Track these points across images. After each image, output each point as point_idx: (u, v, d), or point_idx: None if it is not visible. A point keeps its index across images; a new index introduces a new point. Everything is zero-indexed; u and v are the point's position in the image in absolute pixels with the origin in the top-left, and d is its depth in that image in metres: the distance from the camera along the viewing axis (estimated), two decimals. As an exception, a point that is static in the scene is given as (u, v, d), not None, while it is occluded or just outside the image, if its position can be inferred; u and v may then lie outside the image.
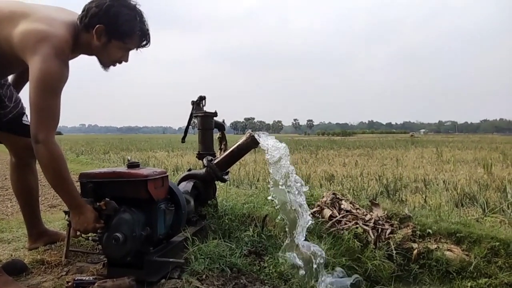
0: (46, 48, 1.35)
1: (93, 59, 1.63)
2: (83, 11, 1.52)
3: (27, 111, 1.74)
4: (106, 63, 1.62)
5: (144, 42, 1.62)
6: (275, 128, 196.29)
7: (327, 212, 2.71)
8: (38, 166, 1.58)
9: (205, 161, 2.13)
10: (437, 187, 4.84)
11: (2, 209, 3.84)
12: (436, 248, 2.44)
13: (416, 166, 7.61)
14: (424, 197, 3.98)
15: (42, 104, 1.36)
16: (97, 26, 1.49)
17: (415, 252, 2.43)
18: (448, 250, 2.43)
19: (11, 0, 1.54)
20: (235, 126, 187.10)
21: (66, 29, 1.46)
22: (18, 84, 1.86)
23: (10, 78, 1.79)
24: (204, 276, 1.55)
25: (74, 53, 1.59)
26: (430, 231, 2.58)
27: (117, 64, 1.65)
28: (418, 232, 2.57)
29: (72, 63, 1.55)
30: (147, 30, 1.60)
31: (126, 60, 1.64)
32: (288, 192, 1.82)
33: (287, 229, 1.87)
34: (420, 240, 2.53)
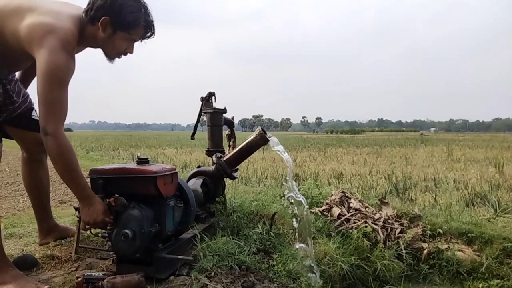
0: (52, 41, 1.37)
1: (102, 56, 1.65)
2: (88, 4, 1.54)
3: (36, 106, 1.75)
4: (111, 55, 1.64)
5: (149, 33, 1.64)
6: (284, 126, 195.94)
7: (336, 211, 2.69)
8: (49, 162, 1.59)
9: (214, 158, 2.12)
10: (447, 186, 4.79)
11: (14, 204, 3.89)
12: (446, 248, 2.42)
13: (426, 165, 7.53)
14: (434, 196, 3.93)
15: (50, 96, 1.38)
16: (103, 18, 1.50)
17: (425, 252, 2.40)
18: (459, 250, 2.40)
19: None
20: (244, 123, 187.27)
21: (71, 22, 1.47)
22: (26, 80, 1.88)
23: (17, 74, 1.81)
24: (212, 274, 1.55)
25: (80, 46, 1.60)
26: (440, 230, 2.55)
27: (122, 56, 1.66)
28: (428, 232, 2.55)
29: (81, 60, 1.56)
30: (152, 21, 1.62)
31: (131, 52, 1.66)
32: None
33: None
34: (430, 240, 2.50)
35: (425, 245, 2.45)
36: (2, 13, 1.43)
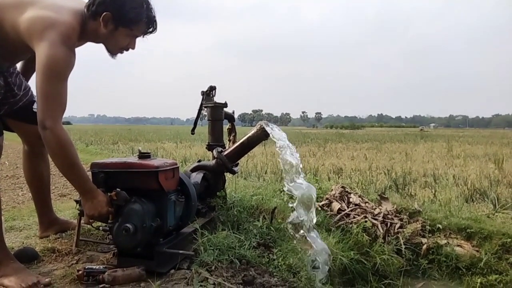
0: (53, 35, 1.36)
1: (102, 49, 1.64)
2: None
3: None
4: (113, 51, 1.62)
5: (151, 29, 1.62)
6: (283, 121, 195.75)
7: (335, 206, 2.70)
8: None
9: (215, 152, 2.12)
10: (447, 182, 4.80)
11: (13, 197, 3.89)
12: (445, 243, 2.43)
13: (425, 161, 7.55)
14: (434, 192, 3.95)
15: (49, 90, 1.37)
16: (104, 13, 1.48)
17: (424, 247, 2.41)
18: (458, 245, 2.41)
19: None
20: (243, 118, 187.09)
21: (73, 17, 1.46)
22: (27, 73, 1.87)
23: (18, 66, 1.80)
24: (213, 267, 1.56)
25: (81, 40, 1.59)
26: (440, 226, 2.56)
27: (124, 52, 1.65)
28: (427, 227, 2.56)
29: (80, 53, 1.55)
30: (154, 17, 1.60)
31: (133, 47, 1.64)
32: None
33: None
34: (429, 235, 2.51)
35: (424, 240, 2.46)
36: (3, 5, 1.42)
